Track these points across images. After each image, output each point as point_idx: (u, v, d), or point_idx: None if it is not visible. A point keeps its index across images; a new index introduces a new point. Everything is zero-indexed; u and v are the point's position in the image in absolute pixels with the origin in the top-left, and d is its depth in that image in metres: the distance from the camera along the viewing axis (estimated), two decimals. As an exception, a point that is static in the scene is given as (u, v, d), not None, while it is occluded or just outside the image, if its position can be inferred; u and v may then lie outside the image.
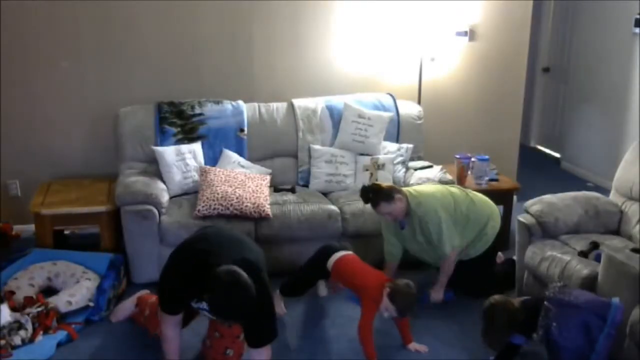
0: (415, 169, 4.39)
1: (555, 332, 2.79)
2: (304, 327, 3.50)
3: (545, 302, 2.86)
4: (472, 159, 4.51)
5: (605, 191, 4.07)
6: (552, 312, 2.82)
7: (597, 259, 3.14)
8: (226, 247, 2.79)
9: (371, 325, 3.12)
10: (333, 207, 4.02)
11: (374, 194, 3.53)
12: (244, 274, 2.56)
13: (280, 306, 3.56)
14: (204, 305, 2.68)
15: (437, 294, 3.64)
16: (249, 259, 2.74)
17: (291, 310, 3.60)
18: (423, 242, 3.59)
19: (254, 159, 4.36)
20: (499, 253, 3.98)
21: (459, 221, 3.60)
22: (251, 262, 2.72)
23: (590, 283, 3.04)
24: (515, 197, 4.69)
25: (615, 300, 2.77)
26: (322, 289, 3.74)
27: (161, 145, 4.17)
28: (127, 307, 3.49)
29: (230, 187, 3.93)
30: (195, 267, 2.65)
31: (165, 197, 3.92)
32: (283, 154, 4.47)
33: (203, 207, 3.81)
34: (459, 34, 4.85)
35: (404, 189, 3.68)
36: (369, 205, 3.58)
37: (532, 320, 2.88)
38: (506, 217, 4.31)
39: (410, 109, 4.66)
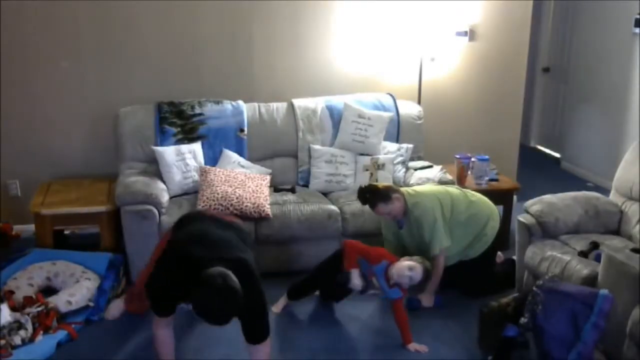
0: (415, 169, 4.39)
1: (541, 316, 2.80)
2: (305, 325, 3.51)
3: (534, 288, 2.88)
4: (472, 159, 4.51)
5: (605, 191, 4.07)
6: (540, 297, 2.83)
7: (597, 259, 3.14)
8: (219, 246, 2.74)
9: (356, 255, 3.35)
10: (333, 207, 4.02)
11: (371, 194, 3.53)
12: (234, 278, 2.48)
13: (279, 306, 3.57)
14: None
15: (428, 300, 3.63)
16: (244, 258, 2.70)
17: (293, 309, 3.61)
18: (420, 242, 3.59)
19: (254, 159, 4.36)
20: (499, 253, 3.98)
21: (458, 222, 3.61)
22: (245, 261, 2.69)
23: (590, 283, 3.04)
24: (515, 197, 4.69)
25: (604, 291, 2.78)
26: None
27: (161, 145, 4.17)
28: (121, 305, 3.53)
29: (230, 187, 3.93)
30: (187, 270, 2.60)
31: (165, 197, 3.92)
32: (283, 154, 4.47)
33: (203, 207, 3.81)
34: (459, 34, 4.85)
35: (402, 188, 3.69)
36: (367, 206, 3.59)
37: (521, 309, 2.90)
38: (506, 217, 4.31)
39: (410, 109, 4.66)
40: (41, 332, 3.21)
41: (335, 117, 4.49)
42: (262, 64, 4.67)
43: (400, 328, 3.29)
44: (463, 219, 3.62)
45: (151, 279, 2.82)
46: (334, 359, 3.19)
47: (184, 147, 4.17)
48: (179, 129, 4.24)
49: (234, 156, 4.28)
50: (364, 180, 4.29)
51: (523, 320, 2.86)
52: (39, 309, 3.28)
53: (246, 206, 3.83)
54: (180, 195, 4.11)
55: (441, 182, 4.06)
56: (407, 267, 3.21)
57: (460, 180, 4.40)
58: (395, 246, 3.72)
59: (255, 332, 2.76)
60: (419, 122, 4.64)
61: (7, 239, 4.29)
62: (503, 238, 4.06)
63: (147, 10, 4.41)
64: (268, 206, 3.90)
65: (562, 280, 3.15)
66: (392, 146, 4.48)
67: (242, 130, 4.35)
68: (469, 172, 4.51)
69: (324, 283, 3.60)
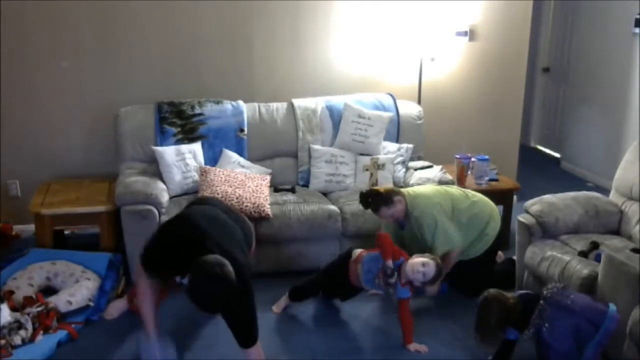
0: (415, 169, 4.40)
1: (546, 332, 2.79)
2: (305, 325, 3.51)
3: (542, 302, 2.86)
4: (472, 159, 4.51)
5: (605, 191, 4.07)
6: (547, 312, 2.81)
7: (597, 259, 3.14)
8: (226, 235, 2.88)
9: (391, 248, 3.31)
10: (333, 207, 4.02)
11: (373, 199, 3.53)
12: (231, 269, 2.60)
13: (279, 306, 3.57)
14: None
15: (432, 287, 3.59)
16: (242, 263, 2.79)
17: (293, 309, 3.61)
18: (422, 242, 3.59)
19: (254, 159, 4.36)
20: (499, 253, 3.98)
21: (460, 222, 3.61)
22: (242, 266, 2.76)
23: (590, 283, 3.04)
24: (515, 197, 4.69)
25: (613, 310, 2.77)
26: None
27: (161, 145, 4.17)
28: (119, 305, 3.53)
29: (230, 187, 3.93)
30: (187, 243, 2.74)
31: (165, 197, 3.91)
32: (283, 154, 4.47)
33: (203, 207, 3.81)
34: (459, 34, 4.85)
35: (402, 189, 3.69)
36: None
37: (526, 317, 2.88)
38: (506, 217, 4.31)
39: (410, 109, 4.66)
40: (41, 332, 3.21)
41: (335, 117, 4.49)
42: (262, 64, 4.67)
43: (403, 328, 3.29)
44: (464, 219, 3.62)
45: (151, 240, 2.92)
46: (334, 359, 3.19)
47: (184, 147, 4.17)
48: (179, 129, 4.24)
49: (234, 156, 4.28)
50: (364, 180, 4.29)
51: (527, 333, 2.86)
52: (39, 309, 3.28)
53: (246, 206, 3.83)
54: (180, 195, 4.11)
55: (441, 182, 4.06)
56: (420, 263, 3.21)
57: (460, 180, 4.40)
58: (396, 247, 3.72)
59: (247, 337, 2.83)
60: (419, 122, 4.64)
61: (7, 239, 4.29)
62: (503, 238, 4.06)
63: (147, 10, 4.41)
64: (268, 206, 3.90)
65: (562, 280, 3.15)
66: (392, 146, 4.48)
67: (242, 130, 4.35)
68: (469, 172, 4.51)
69: (330, 287, 3.60)
